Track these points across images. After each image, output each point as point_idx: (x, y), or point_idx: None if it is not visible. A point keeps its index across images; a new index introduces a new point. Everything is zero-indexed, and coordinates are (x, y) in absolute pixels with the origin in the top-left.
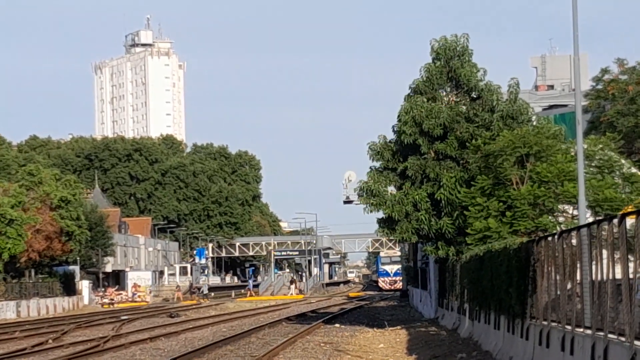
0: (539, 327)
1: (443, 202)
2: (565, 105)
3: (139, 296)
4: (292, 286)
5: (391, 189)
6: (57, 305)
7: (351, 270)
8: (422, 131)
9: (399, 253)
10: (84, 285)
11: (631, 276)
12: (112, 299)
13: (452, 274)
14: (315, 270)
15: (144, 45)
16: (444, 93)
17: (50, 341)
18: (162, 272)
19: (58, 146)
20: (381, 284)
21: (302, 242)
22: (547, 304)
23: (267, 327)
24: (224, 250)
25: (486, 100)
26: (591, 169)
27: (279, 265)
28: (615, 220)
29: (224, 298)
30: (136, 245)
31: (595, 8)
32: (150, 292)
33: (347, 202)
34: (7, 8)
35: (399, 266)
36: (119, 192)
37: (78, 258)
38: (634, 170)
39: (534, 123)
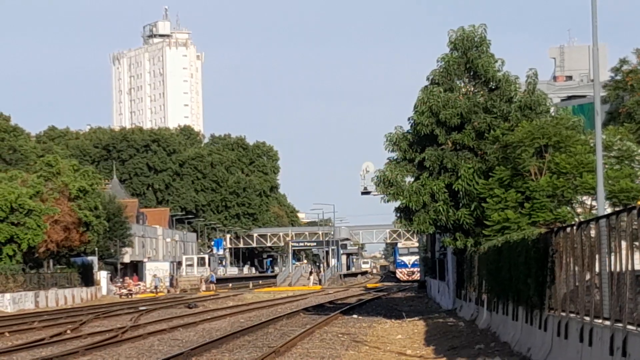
0: (557, 318)
1: (461, 193)
2: (584, 96)
3: (162, 286)
4: (312, 277)
5: (409, 180)
6: (75, 295)
7: (365, 260)
8: (439, 121)
9: (416, 244)
10: (102, 276)
11: None
12: (130, 290)
13: (470, 265)
14: (332, 261)
15: (161, 36)
16: (462, 84)
17: (68, 331)
18: (180, 263)
19: (76, 137)
20: (399, 275)
21: (320, 233)
22: (566, 295)
23: (284, 318)
24: (241, 241)
25: (504, 90)
26: (610, 159)
27: (296, 256)
28: (635, 212)
29: (242, 289)
30: (154, 236)
31: None
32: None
33: (365, 193)
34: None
35: (417, 257)
36: (136, 183)
37: (96, 249)
38: None
39: (552, 114)
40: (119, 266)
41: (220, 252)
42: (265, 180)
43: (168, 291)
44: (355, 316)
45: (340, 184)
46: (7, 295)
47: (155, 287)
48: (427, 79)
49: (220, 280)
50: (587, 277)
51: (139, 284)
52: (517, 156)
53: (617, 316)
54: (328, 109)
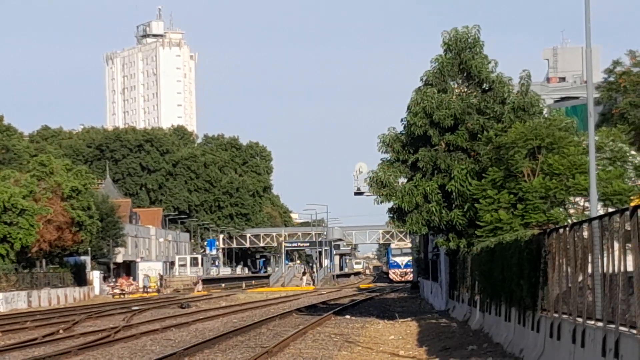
0: (550, 319)
1: (454, 193)
2: (577, 98)
3: (151, 287)
4: (305, 277)
5: (402, 181)
6: (68, 295)
7: (358, 261)
8: (433, 122)
9: (409, 245)
10: (95, 276)
11: None
12: (122, 290)
13: (463, 265)
14: (325, 262)
15: (155, 36)
16: (455, 85)
17: (61, 331)
18: (172, 263)
19: (69, 137)
20: (392, 275)
21: (313, 233)
22: (558, 296)
23: (277, 318)
24: (234, 241)
25: (497, 92)
26: (603, 160)
27: (289, 256)
28: (627, 213)
29: (234, 289)
30: (147, 235)
31: (607, 0)
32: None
33: (358, 193)
34: None
35: (410, 258)
36: (130, 183)
37: (89, 248)
38: None
39: (545, 115)
40: (111, 266)
41: (213, 252)
42: (259, 181)
43: (158, 291)
44: (348, 317)
45: (334, 184)
46: (0, 295)
47: (144, 287)
48: (421, 79)
49: (213, 281)
50: (580, 278)
51: (132, 284)
52: (510, 157)
53: (609, 317)
54: (321, 109)
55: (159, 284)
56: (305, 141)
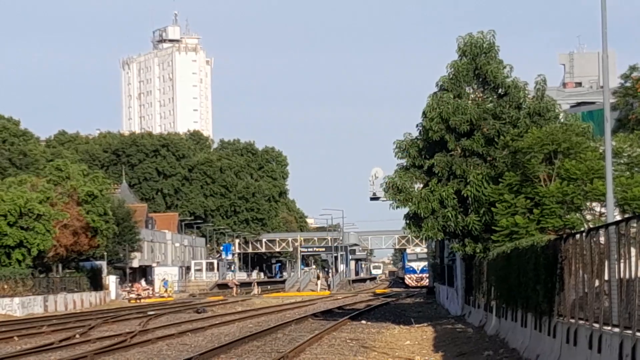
0: (566, 325)
1: (470, 199)
2: (593, 103)
3: (166, 291)
4: (319, 281)
5: (418, 187)
6: (84, 300)
7: (377, 265)
8: (449, 127)
9: (425, 250)
10: (111, 281)
11: None
12: (138, 294)
13: (478, 271)
14: (341, 267)
15: (171, 41)
16: (471, 90)
17: (77, 336)
18: (188, 268)
19: (86, 141)
20: (407, 280)
21: (329, 238)
22: (575, 301)
23: (293, 323)
24: (250, 246)
25: (513, 97)
26: (620, 166)
27: (305, 261)
28: None
29: (250, 294)
30: (163, 240)
31: (623, 5)
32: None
33: (374, 198)
34: (35, 4)
35: (426, 263)
36: (146, 188)
37: (105, 253)
38: None
39: (562, 120)
40: (127, 271)
41: (229, 257)
42: (274, 186)
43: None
44: (363, 322)
45: (349, 189)
46: (17, 300)
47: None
48: (436, 85)
49: (229, 286)
50: (597, 283)
51: (148, 289)
52: (526, 162)
53: (626, 323)
54: (337, 114)
55: (177, 288)
56: (321, 146)
